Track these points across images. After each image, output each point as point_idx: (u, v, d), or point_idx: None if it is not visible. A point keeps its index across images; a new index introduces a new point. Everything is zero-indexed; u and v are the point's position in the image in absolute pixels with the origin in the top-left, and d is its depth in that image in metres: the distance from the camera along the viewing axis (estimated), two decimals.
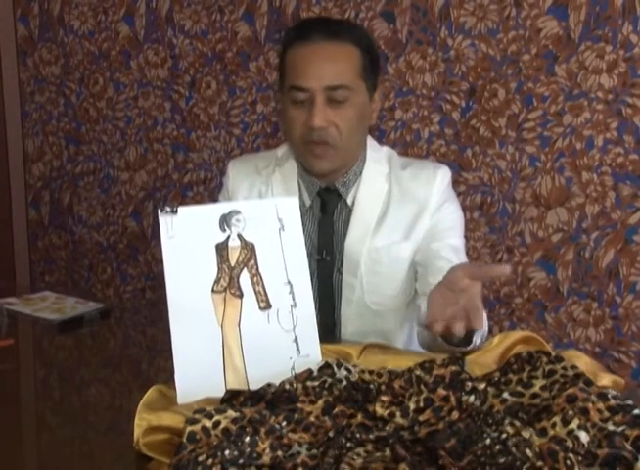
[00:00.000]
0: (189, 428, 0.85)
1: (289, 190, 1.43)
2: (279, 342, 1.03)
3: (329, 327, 1.38)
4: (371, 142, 1.46)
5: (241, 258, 1.05)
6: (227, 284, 1.04)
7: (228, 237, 1.05)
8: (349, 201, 1.42)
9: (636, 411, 0.85)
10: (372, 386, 0.95)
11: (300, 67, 1.33)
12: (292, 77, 1.34)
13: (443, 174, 1.42)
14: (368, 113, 1.39)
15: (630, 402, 0.87)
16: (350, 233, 1.39)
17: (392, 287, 1.40)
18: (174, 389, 0.99)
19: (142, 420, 0.90)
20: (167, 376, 1.03)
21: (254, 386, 0.98)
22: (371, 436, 0.86)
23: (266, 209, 1.08)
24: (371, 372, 1.00)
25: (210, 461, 0.80)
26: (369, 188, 1.41)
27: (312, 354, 1.04)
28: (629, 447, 0.79)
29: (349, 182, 1.42)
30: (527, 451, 0.78)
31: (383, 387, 0.95)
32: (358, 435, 0.86)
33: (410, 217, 1.38)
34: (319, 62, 1.32)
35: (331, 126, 1.32)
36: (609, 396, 0.87)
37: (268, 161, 1.50)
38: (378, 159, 1.44)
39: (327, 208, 1.42)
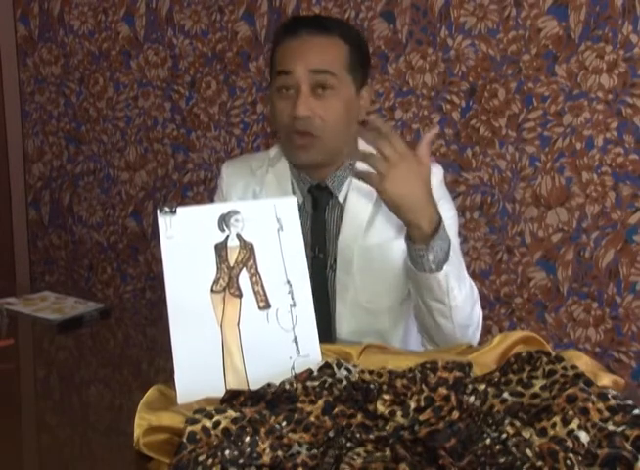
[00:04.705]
0: (189, 428, 0.85)
1: (282, 190, 1.44)
2: (278, 341, 1.03)
3: (324, 326, 1.38)
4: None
5: (240, 258, 1.05)
6: (226, 284, 1.04)
7: (227, 237, 1.05)
8: (341, 198, 1.42)
9: (636, 411, 0.85)
10: (372, 386, 0.95)
11: (287, 55, 1.35)
12: (278, 65, 1.36)
13: (435, 173, 1.42)
14: (355, 108, 1.40)
15: (630, 402, 0.87)
16: (343, 231, 1.40)
17: (386, 285, 1.40)
18: (174, 389, 0.99)
19: (142, 420, 0.90)
20: (167, 376, 1.03)
21: (254, 386, 0.97)
22: (371, 436, 0.86)
23: (265, 209, 1.08)
24: (371, 372, 1.00)
25: (210, 461, 0.80)
26: (360, 186, 1.42)
27: (312, 354, 1.04)
28: (629, 447, 0.79)
29: (340, 179, 1.42)
30: (527, 451, 0.78)
31: (384, 386, 0.95)
32: (358, 435, 0.86)
33: None
34: (306, 50, 1.34)
35: (315, 117, 1.33)
36: (609, 396, 0.87)
37: (262, 161, 1.50)
38: None
39: (318, 205, 1.42)
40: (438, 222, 1.20)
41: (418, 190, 1.17)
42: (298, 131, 1.33)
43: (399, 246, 1.39)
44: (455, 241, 1.41)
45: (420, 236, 1.19)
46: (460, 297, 1.24)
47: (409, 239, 1.22)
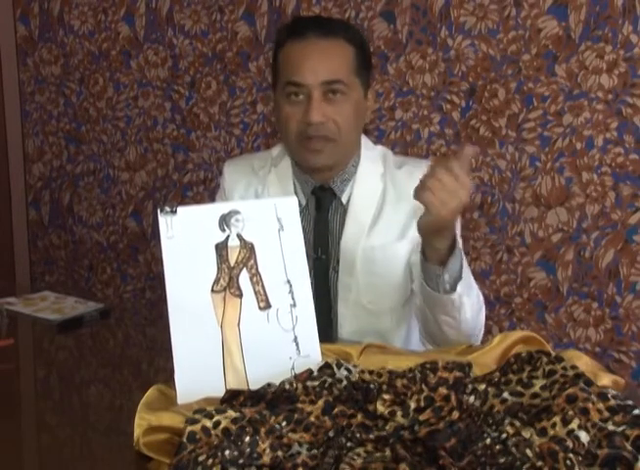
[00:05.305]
0: (189, 428, 0.85)
1: (284, 189, 1.43)
2: (279, 341, 1.03)
3: (325, 326, 1.38)
4: (365, 141, 1.46)
5: (240, 258, 1.05)
6: (227, 284, 1.04)
7: (227, 237, 1.05)
8: (344, 200, 1.42)
9: (636, 411, 0.85)
10: (372, 386, 0.95)
11: (296, 63, 1.34)
12: (287, 73, 1.35)
13: None
14: (363, 110, 1.40)
15: (630, 402, 0.87)
16: (346, 232, 1.40)
17: (388, 286, 1.39)
18: (174, 389, 0.99)
19: (142, 420, 0.90)
20: (167, 376, 1.03)
21: (254, 386, 0.98)
22: (371, 436, 0.86)
23: (265, 209, 1.08)
24: (371, 372, 1.00)
25: (210, 461, 0.80)
26: (364, 187, 1.42)
27: (312, 354, 1.04)
28: (629, 447, 0.79)
29: (344, 181, 1.42)
30: (527, 451, 0.78)
31: (384, 386, 0.95)
32: (358, 435, 0.86)
33: (405, 217, 1.38)
34: (315, 58, 1.33)
35: (329, 121, 1.33)
36: (609, 396, 0.87)
37: (264, 161, 1.50)
38: (372, 158, 1.44)
39: (322, 206, 1.42)
40: (454, 239, 1.20)
41: (455, 215, 1.17)
42: (312, 136, 1.33)
43: (402, 247, 1.39)
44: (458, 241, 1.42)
45: (438, 256, 1.19)
46: (469, 311, 1.24)
47: (424, 258, 1.21)
